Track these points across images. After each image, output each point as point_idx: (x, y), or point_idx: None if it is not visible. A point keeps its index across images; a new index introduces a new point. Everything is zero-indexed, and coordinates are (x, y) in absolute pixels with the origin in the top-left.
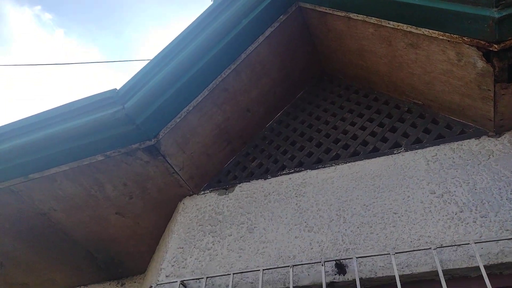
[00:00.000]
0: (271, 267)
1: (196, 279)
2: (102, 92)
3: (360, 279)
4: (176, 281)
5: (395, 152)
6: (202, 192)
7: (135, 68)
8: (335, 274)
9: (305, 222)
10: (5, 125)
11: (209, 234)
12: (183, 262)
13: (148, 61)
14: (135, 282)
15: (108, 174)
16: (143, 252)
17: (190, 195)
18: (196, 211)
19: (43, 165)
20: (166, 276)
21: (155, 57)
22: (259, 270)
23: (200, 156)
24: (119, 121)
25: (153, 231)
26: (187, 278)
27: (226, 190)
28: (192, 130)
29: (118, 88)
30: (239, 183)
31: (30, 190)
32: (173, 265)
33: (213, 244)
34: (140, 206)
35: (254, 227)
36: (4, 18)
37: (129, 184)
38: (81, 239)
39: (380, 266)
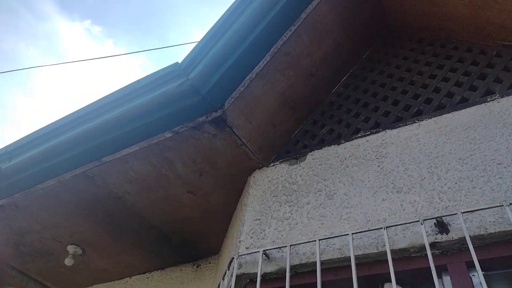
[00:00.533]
0: (361, 230)
1: (278, 248)
2: (165, 67)
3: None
4: (258, 251)
5: (488, 100)
6: (272, 164)
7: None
8: (436, 234)
9: (392, 183)
10: (75, 111)
11: (285, 204)
12: (261, 233)
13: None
14: (210, 263)
15: (177, 152)
16: (216, 232)
17: (259, 168)
18: (268, 183)
19: (114, 147)
20: (246, 248)
21: (213, 26)
22: (347, 234)
23: (266, 126)
24: (185, 93)
25: (224, 209)
26: (269, 248)
27: (297, 159)
28: (257, 99)
29: (179, 62)
30: (310, 151)
31: (104, 173)
32: (251, 237)
33: (291, 214)
34: (210, 183)
35: (334, 194)
36: (57, 35)
37: (198, 160)
38: (156, 221)
39: (490, 222)
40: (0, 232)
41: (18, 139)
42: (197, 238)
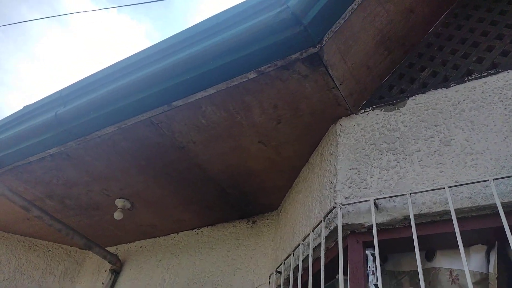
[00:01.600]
0: (504, 175)
1: (391, 197)
2: None
3: None
4: (368, 200)
5: None
6: (362, 111)
7: None
8: None
9: None
10: (144, 50)
11: (387, 152)
12: (362, 182)
13: None
14: (267, 219)
15: (258, 95)
16: (279, 186)
17: (347, 116)
18: (361, 131)
19: (188, 89)
20: (346, 198)
21: None
22: (487, 180)
23: (360, 68)
24: (283, 24)
25: (294, 162)
26: (382, 197)
27: (394, 105)
28: (355, 35)
29: None
30: (411, 96)
31: (171, 120)
32: (350, 187)
33: (397, 162)
34: (286, 132)
35: (451, 140)
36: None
37: (280, 106)
38: (216, 174)
39: None
40: (47, 183)
41: (73, 82)
42: (257, 193)
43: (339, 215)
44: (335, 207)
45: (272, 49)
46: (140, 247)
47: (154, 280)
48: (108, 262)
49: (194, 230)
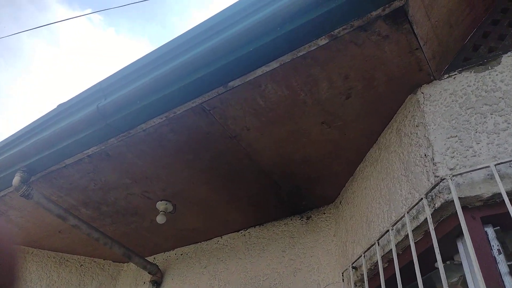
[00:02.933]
0: None
1: None
2: None
3: None
4: (488, 166)
5: None
6: (446, 75)
7: None
8: None
9: None
10: (193, 28)
11: (491, 114)
12: (468, 150)
13: None
14: (324, 214)
15: (327, 66)
16: (337, 174)
17: (428, 82)
18: (451, 96)
19: (246, 66)
20: (451, 169)
21: None
22: None
23: (443, 26)
24: None
25: (360, 144)
26: (503, 161)
27: (485, 65)
28: None
29: None
30: (505, 53)
31: (225, 105)
32: (453, 157)
33: (508, 123)
34: (355, 108)
35: None
36: (59, 23)
37: (352, 77)
38: (268, 165)
39: None
40: (83, 189)
41: (114, 72)
42: (312, 184)
43: (452, 187)
44: (444, 179)
45: (350, 6)
46: (181, 254)
47: None
48: (148, 272)
49: (240, 231)
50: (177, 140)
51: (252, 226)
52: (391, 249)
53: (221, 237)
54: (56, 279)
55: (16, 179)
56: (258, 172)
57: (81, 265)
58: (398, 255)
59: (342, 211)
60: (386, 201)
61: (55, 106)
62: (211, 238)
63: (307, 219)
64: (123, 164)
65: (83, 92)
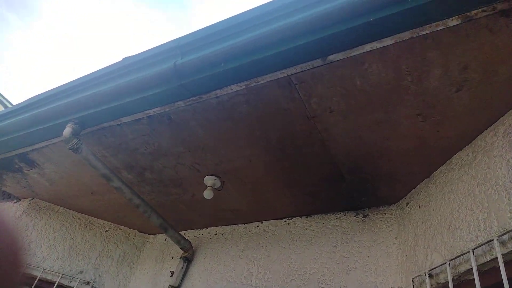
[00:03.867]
0: None
1: None
2: None
3: None
4: None
5: None
6: None
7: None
8: None
9: None
10: None
11: None
12: None
13: None
14: (384, 214)
15: (449, 51)
16: (413, 173)
17: None
18: None
19: (354, 39)
20: None
21: None
22: None
23: None
24: None
25: (450, 144)
26: None
27: None
28: None
29: None
30: None
31: (316, 80)
32: None
33: None
34: (462, 104)
35: None
36: None
37: (472, 67)
38: (339, 154)
39: None
40: (132, 151)
41: (193, 31)
42: (381, 180)
43: None
44: None
45: None
46: (215, 234)
47: (237, 272)
48: (180, 248)
49: (284, 220)
50: (249, 113)
51: (298, 216)
52: (488, 261)
53: (262, 223)
54: (79, 241)
55: (67, 130)
56: (326, 160)
57: (106, 230)
58: (491, 269)
59: (409, 214)
60: (484, 209)
61: (121, 59)
62: (250, 222)
63: (363, 217)
64: (182, 131)
65: (156, 47)
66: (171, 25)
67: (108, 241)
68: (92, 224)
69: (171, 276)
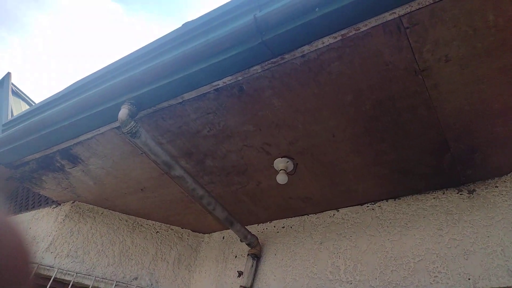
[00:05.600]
0: None
1: None
2: None
3: None
4: None
5: None
6: None
7: None
8: None
9: None
10: None
11: None
12: None
13: None
14: (496, 187)
15: None
16: None
17: None
18: None
19: None
20: None
21: None
22: None
23: None
24: None
25: None
26: None
27: None
28: None
29: None
30: None
31: (435, 20)
32: None
33: None
34: None
35: None
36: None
37: None
38: (448, 116)
39: None
40: (193, 135)
41: None
42: (495, 146)
43: None
44: None
45: None
46: (282, 227)
47: (320, 267)
48: (247, 244)
49: (366, 205)
50: (340, 72)
51: (383, 200)
52: None
53: (338, 211)
54: (130, 245)
55: (123, 112)
56: (429, 126)
57: (157, 232)
58: None
59: None
60: None
61: (180, 25)
62: (323, 211)
63: (469, 193)
64: (254, 104)
65: (226, 3)
66: None
67: (161, 243)
68: (141, 225)
69: (239, 276)
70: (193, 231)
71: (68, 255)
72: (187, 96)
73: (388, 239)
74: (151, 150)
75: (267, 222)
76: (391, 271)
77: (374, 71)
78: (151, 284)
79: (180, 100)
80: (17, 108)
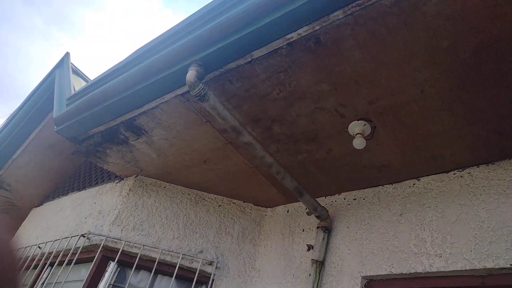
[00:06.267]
0: None
1: None
2: None
3: None
4: None
5: None
6: None
7: None
8: None
9: None
10: None
11: None
12: None
13: None
14: None
15: None
16: None
17: None
18: None
19: None
20: None
21: None
22: None
23: None
24: None
25: None
26: None
27: None
28: None
29: None
30: None
31: None
32: None
33: None
34: None
35: None
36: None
37: None
38: None
39: None
40: (261, 98)
41: None
42: None
43: None
44: None
45: None
46: (353, 199)
47: (401, 240)
48: (316, 216)
49: (453, 172)
50: (438, 12)
51: (473, 166)
52: None
53: (418, 180)
54: (193, 219)
55: (191, 74)
56: None
57: (220, 205)
58: None
59: None
60: None
61: None
62: (401, 181)
63: None
64: (331, 58)
65: None
66: None
67: (224, 216)
68: (204, 199)
69: (309, 250)
70: (255, 205)
71: (134, 228)
72: (257, 53)
73: (483, 208)
74: (219, 114)
75: (335, 194)
76: (489, 242)
77: (479, 8)
78: (217, 257)
79: (249, 59)
80: (78, 85)
